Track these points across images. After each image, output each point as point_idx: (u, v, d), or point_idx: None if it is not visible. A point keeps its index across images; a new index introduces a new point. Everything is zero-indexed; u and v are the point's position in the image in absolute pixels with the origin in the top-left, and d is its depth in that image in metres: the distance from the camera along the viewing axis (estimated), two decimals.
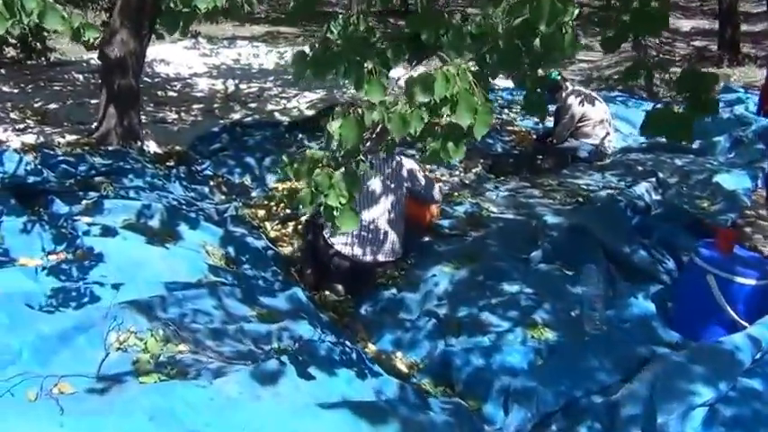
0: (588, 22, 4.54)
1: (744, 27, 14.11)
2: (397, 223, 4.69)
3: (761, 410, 3.02)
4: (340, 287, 4.65)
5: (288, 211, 5.88)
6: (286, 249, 5.31)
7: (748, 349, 3.31)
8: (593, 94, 7.63)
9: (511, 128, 8.21)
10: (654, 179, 6.20)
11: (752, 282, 3.61)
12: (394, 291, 4.53)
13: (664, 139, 7.81)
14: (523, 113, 8.30)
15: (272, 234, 5.50)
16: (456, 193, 6.18)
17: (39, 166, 4.76)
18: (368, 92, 2.41)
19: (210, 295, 3.74)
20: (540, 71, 2.71)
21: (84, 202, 4.51)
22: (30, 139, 5.86)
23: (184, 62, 9.78)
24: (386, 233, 4.64)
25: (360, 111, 2.34)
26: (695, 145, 7.52)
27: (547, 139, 7.56)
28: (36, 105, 7.36)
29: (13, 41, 8.86)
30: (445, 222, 5.35)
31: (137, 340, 3.12)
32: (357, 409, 2.90)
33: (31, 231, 4.01)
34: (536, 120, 8.18)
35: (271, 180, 6.53)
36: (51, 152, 5.25)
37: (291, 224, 5.61)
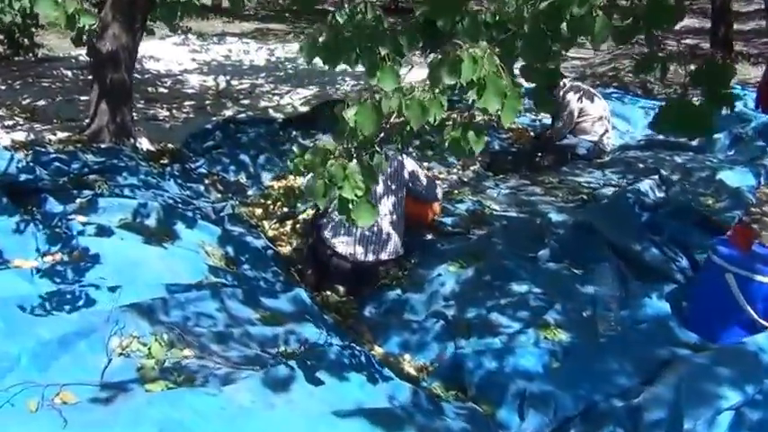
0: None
1: (735, 26, 14.08)
2: (398, 224, 4.58)
3: None
4: (341, 288, 4.52)
5: (285, 209, 5.76)
6: (285, 249, 5.18)
7: None
8: (592, 90, 7.52)
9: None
10: (657, 176, 6.11)
11: None
12: (398, 291, 4.40)
13: (661, 137, 7.71)
14: (519, 112, 8.19)
15: (271, 233, 5.36)
16: (456, 191, 6.08)
17: (31, 164, 4.60)
18: (381, 80, 2.29)
19: (213, 297, 3.60)
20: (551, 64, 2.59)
21: (78, 200, 4.35)
22: (20, 136, 5.70)
23: (174, 59, 9.61)
24: (388, 234, 4.52)
25: (377, 97, 2.21)
26: (694, 142, 7.46)
27: (546, 132, 7.47)
28: (24, 102, 7.18)
29: (0, 37, 8.67)
30: (447, 220, 5.24)
31: (139, 345, 2.98)
32: (373, 417, 2.78)
33: (25, 231, 3.86)
34: (533, 117, 8.10)
35: (266, 178, 6.40)
36: (43, 149, 5.08)
37: (289, 223, 5.48)
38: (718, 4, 13.22)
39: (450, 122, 2.32)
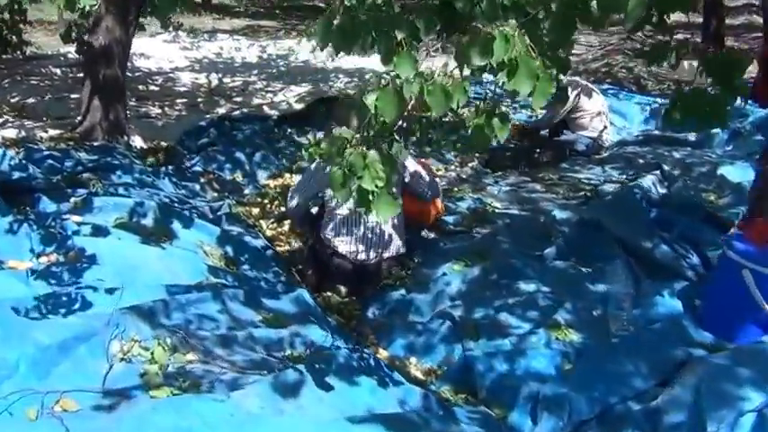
0: None
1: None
2: (399, 226, 4.48)
3: None
4: (343, 289, 4.42)
5: (282, 208, 5.65)
6: (283, 249, 5.08)
7: None
8: (591, 85, 7.45)
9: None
10: (658, 172, 6.04)
11: None
12: (402, 291, 4.30)
13: (657, 132, 7.65)
14: (515, 107, 8.13)
15: (269, 233, 5.27)
16: (456, 188, 6.00)
17: (24, 161, 4.45)
18: (397, 65, 2.18)
19: (214, 299, 3.49)
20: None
21: (72, 199, 4.22)
22: (10, 134, 5.54)
23: (165, 56, 9.45)
24: (390, 235, 4.41)
25: (398, 82, 2.09)
26: (692, 137, 7.41)
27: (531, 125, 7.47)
28: (13, 100, 7.01)
29: None
30: (449, 219, 5.15)
31: (141, 350, 2.86)
32: (386, 423, 2.68)
33: (18, 232, 3.72)
34: (529, 113, 8.02)
35: (262, 176, 6.30)
36: (35, 147, 4.94)
37: (287, 222, 5.37)
38: None
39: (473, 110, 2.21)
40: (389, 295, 4.29)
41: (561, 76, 6.99)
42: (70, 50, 8.24)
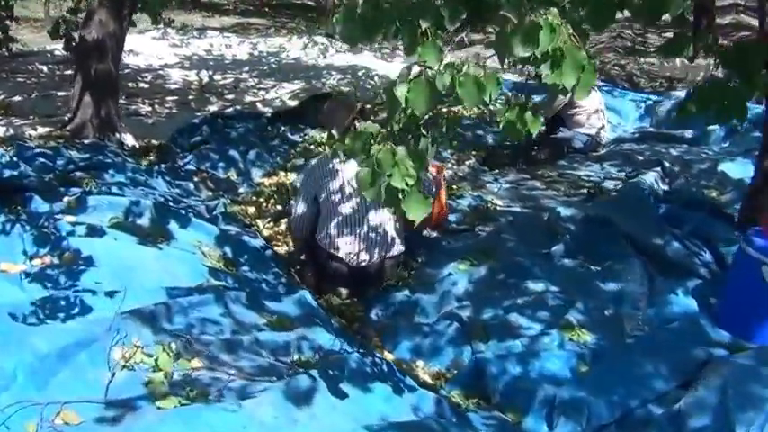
0: None
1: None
2: (400, 230, 4.34)
3: None
4: (344, 291, 4.28)
5: (279, 207, 5.52)
6: (281, 249, 4.94)
7: None
8: None
9: (500, 119, 7.89)
10: (659, 169, 5.96)
11: None
12: (406, 292, 4.17)
13: (652, 129, 7.60)
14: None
15: (266, 233, 5.13)
16: (455, 186, 5.88)
17: (15, 159, 4.29)
18: (422, 54, 2.06)
19: (216, 301, 3.36)
20: None
21: (65, 199, 4.05)
22: None
23: (154, 53, 9.27)
24: (393, 238, 4.28)
25: (429, 72, 1.97)
26: (688, 134, 7.36)
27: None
28: None
29: None
30: (451, 217, 5.04)
31: (144, 356, 2.72)
32: (404, 431, 2.55)
33: (11, 232, 3.56)
34: None
35: (257, 175, 6.16)
36: (26, 144, 4.77)
37: (284, 222, 5.24)
38: None
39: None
40: (393, 296, 4.16)
41: None
42: (57, 47, 8.06)
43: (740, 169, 5.89)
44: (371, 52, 9.88)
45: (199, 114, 6.79)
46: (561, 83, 1.94)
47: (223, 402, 2.45)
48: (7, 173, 4.14)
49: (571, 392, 3.10)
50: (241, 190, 5.86)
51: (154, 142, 5.99)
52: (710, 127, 7.27)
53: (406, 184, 2.02)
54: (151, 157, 5.65)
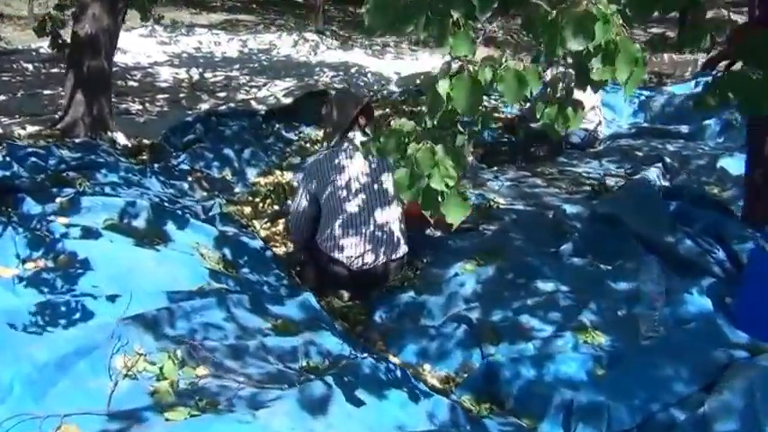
0: None
1: None
2: (404, 231, 4.24)
3: None
4: (345, 293, 4.15)
5: (275, 207, 5.38)
6: (279, 250, 4.81)
7: None
8: None
9: (497, 115, 7.82)
10: (660, 164, 5.88)
11: None
12: (412, 293, 4.03)
13: (646, 124, 7.55)
14: (506, 102, 7.95)
15: (263, 233, 4.99)
16: None
17: (8, 158, 4.14)
18: (454, 46, 1.93)
19: (219, 305, 3.22)
20: None
21: (58, 199, 3.91)
22: None
23: (142, 50, 9.18)
24: (398, 238, 4.16)
25: (471, 68, 1.84)
26: (684, 129, 7.31)
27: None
28: None
29: None
30: None
31: (147, 364, 2.59)
32: None
33: (2, 235, 3.41)
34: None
35: (252, 174, 6.02)
36: (16, 144, 4.62)
37: (282, 222, 5.12)
38: None
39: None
40: (398, 298, 4.02)
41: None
42: (42, 45, 7.91)
43: (739, 165, 5.79)
44: (362, 49, 9.79)
45: (191, 112, 6.71)
46: (613, 78, 1.81)
47: (235, 413, 2.32)
48: None
49: (589, 396, 2.98)
50: (236, 190, 5.72)
51: (146, 141, 5.88)
52: (706, 122, 7.24)
53: (446, 186, 1.89)
54: (144, 157, 5.51)
